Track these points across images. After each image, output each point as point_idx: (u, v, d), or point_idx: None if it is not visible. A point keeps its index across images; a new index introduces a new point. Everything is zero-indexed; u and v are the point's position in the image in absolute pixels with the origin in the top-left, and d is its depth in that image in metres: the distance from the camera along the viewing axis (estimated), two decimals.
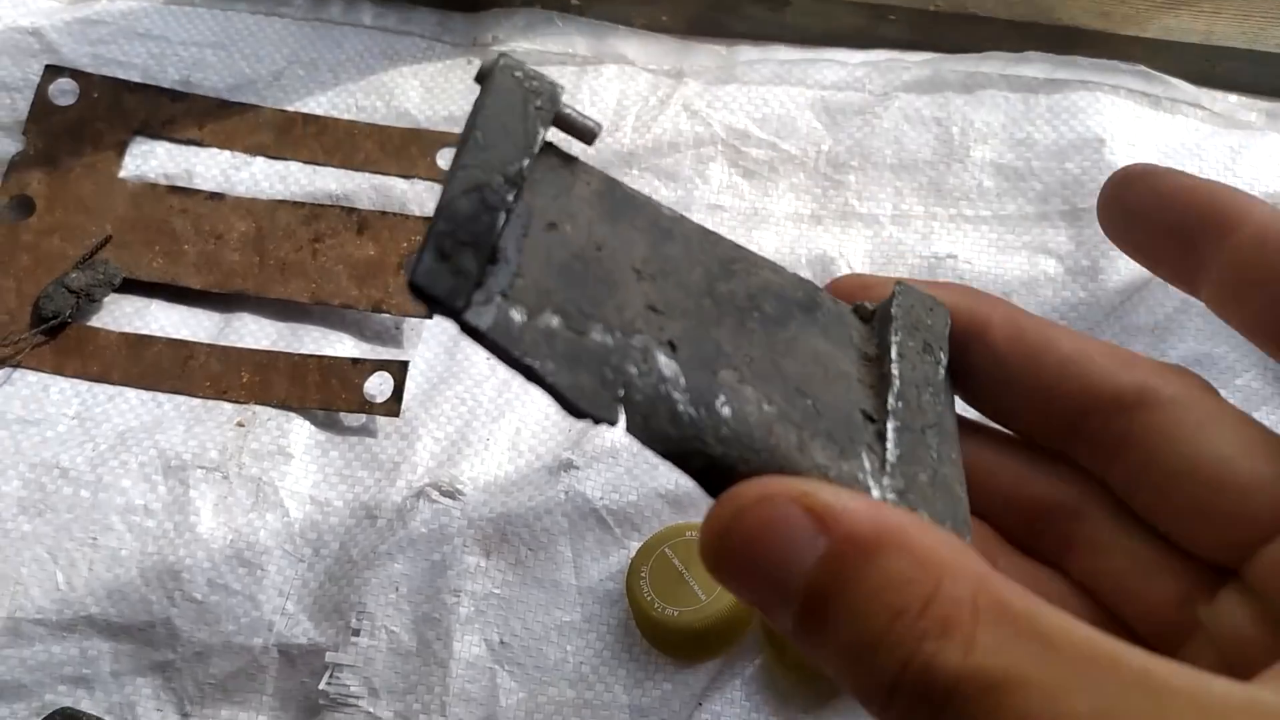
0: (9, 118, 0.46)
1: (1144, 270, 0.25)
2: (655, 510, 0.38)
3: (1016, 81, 0.47)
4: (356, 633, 0.36)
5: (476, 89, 0.20)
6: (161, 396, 0.41)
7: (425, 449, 0.40)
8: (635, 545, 0.37)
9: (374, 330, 0.43)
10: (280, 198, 0.45)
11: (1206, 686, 0.15)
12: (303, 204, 0.45)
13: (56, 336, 0.42)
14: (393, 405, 0.40)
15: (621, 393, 0.18)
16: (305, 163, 0.46)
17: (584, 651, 0.36)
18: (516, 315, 0.18)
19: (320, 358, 0.42)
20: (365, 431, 0.40)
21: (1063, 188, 0.44)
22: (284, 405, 0.41)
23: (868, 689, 0.16)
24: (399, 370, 0.41)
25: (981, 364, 0.23)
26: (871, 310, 0.23)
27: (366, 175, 0.46)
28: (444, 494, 0.38)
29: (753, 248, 0.43)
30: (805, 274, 0.43)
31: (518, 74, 0.20)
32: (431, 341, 0.43)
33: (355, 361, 0.41)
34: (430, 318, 0.43)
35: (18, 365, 0.42)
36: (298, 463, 0.40)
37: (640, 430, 0.18)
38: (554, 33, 0.49)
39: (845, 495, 0.17)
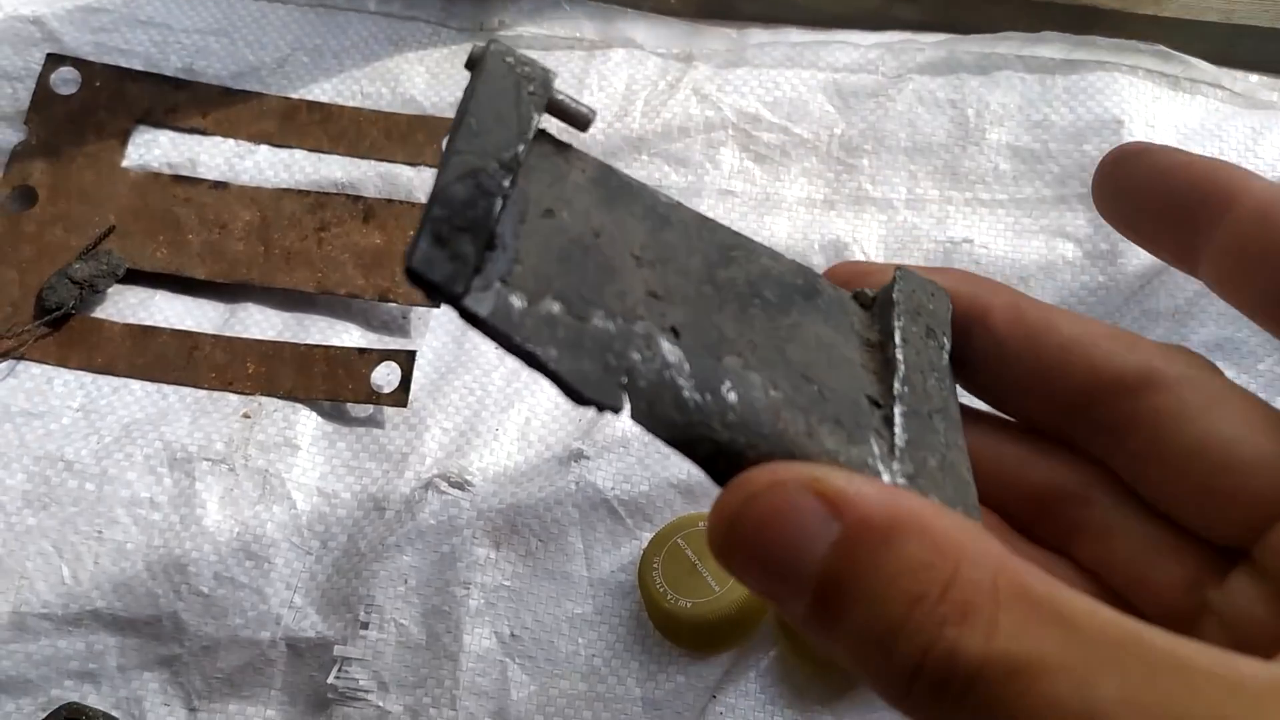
0: (11, 107, 0.46)
1: None
2: (667, 500, 0.37)
3: (1033, 62, 0.46)
4: (365, 626, 0.35)
5: None
6: (166, 388, 0.41)
7: (433, 439, 0.39)
8: (647, 536, 0.36)
9: (381, 320, 0.43)
10: (285, 186, 0.45)
11: (1235, 666, 0.15)
12: (308, 192, 0.44)
13: (60, 328, 0.42)
14: (400, 395, 0.40)
15: (625, 379, 0.18)
16: (310, 150, 0.46)
17: (596, 644, 0.35)
18: (517, 301, 0.18)
19: (327, 348, 0.41)
20: (373, 422, 0.40)
21: (1080, 170, 0.43)
22: (290, 396, 0.40)
23: (886, 678, 0.16)
24: (406, 360, 0.40)
25: (982, 349, 0.23)
26: (872, 296, 0.23)
27: (372, 163, 0.45)
28: (453, 485, 0.38)
29: (765, 233, 0.43)
30: (818, 260, 0.42)
31: (509, 59, 0.20)
32: (439, 331, 0.42)
33: (362, 351, 0.41)
34: (438, 306, 0.42)
35: (21, 357, 0.41)
36: (304, 454, 0.39)
37: (645, 417, 0.18)
38: (561, 16, 0.48)
39: (858, 480, 0.16)
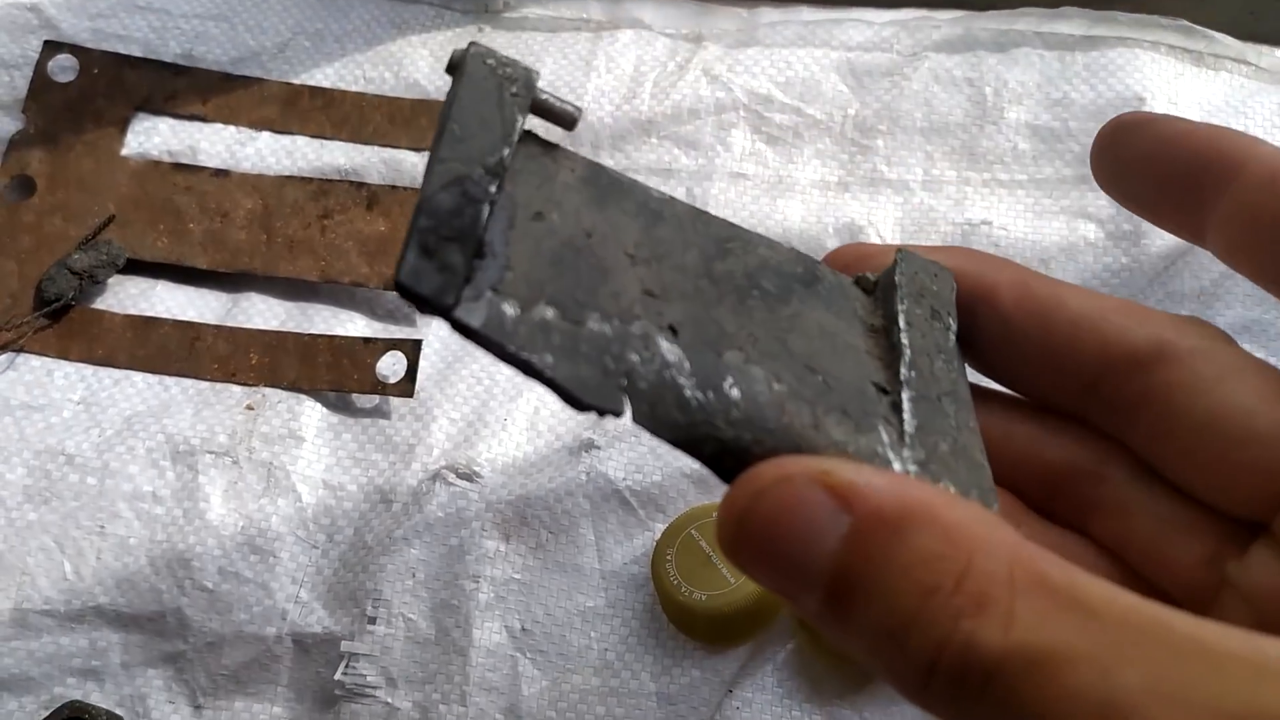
0: (8, 96, 0.45)
1: None
2: (680, 490, 0.36)
3: (1052, 39, 0.45)
4: (373, 621, 0.34)
5: None
6: (168, 380, 0.40)
7: (441, 430, 0.38)
8: (660, 527, 0.35)
9: (386, 308, 0.42)
10: (287, 173, 0.44)
11: (1260, 648, 0.14)
12: (310, 179, 0.44)
13: (60, 319, 0.41)
14: (406, 386, 0.39)
15: (625, 382, 0.18)
16: (312, 137, 0.45)
17: (609, 638, 0.35)
18: (509, 309, 0.17)
19: (331, 338, 0.40)
20: (378, 413, 0.39)
21: None
22: (294, 387, 0.40)
23: (902, 672, 0.15)
24: (412, 349, 0.39)
25: (990, 328, 0.22)
26: (874, 280, 0.22)
27: (376, 148, 0.44)
28: (461, 476, 0.37)
29: (778, 217, 0.42)
30: (833, 244, 0.41)
31: (490, 61, 0.19)
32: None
33: (367, 341, 0.40)
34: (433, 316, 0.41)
35: (21, 350, 0.40)
36: (309, 446, 0.38)
37: (647, 419, 0.18)
38: None
39: (867, 471, 0.16)
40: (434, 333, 0.41)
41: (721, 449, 0.18)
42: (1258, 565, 0.20)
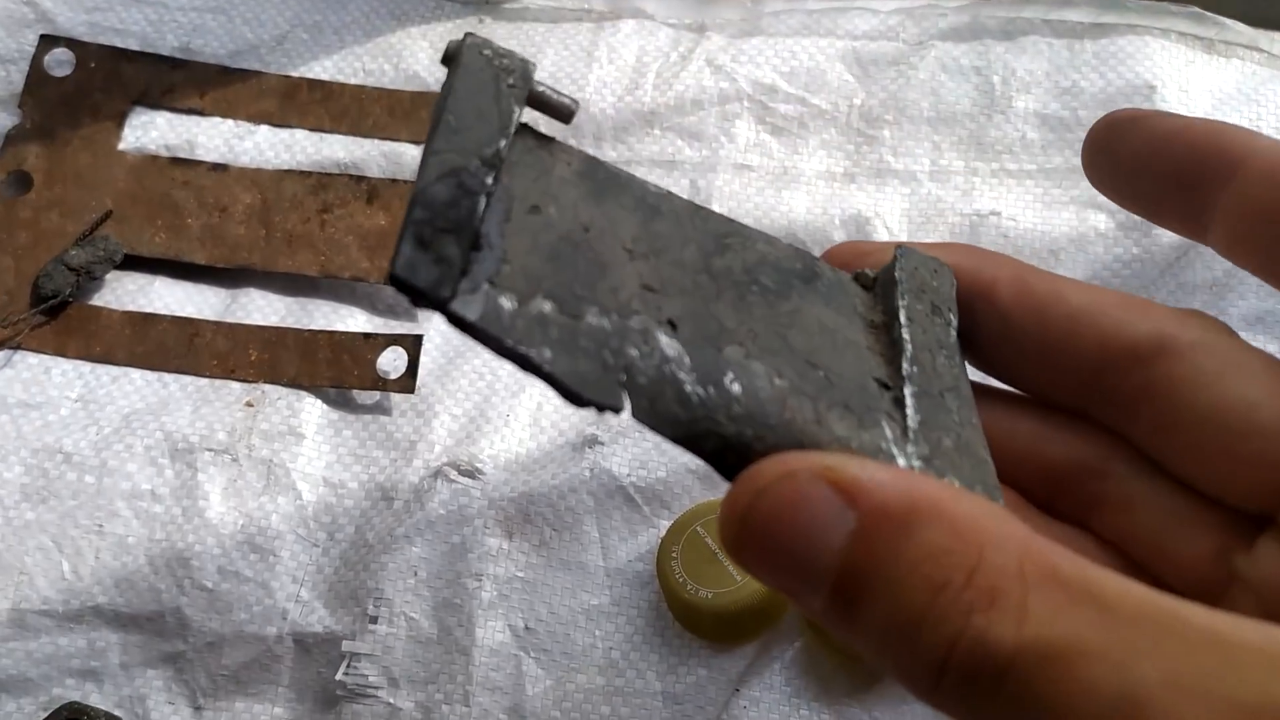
0: (4, 90, 0.45)
1: None
2: (686, 486, 0.36)
3: (1060, 27, 0.44)
4: (374, 620, 0.34)
5: None
6: (167, 377, 0.40)
7: (442, 426, 0.38)
8: (665, 524, 0.35)
9: (386, 304, 0.41)
10: (286, 167, 0.43)
11: (1275, 639, 0.14)
12: (309, 173, 0.43)
13: (57, 316, 0.41)
14: (407, 381, 0.38)
15: (624, 377, 0.17)
16: (311, 130, 0.44)
17: (613, 636, 0.34)
18: (506, 303, 0.17)
19: (331, 333, 0.40)
20: (379, 409, 0.39)
21: None
22: (294, 383, 0.39)
23: (913, 670, 0.15)
24: (413, 345, 0.39)
25: (989, 325, 0.22)
26: (873, 277, 0.22)
27: (375, 142, 0.44)
28: (463, 473, 0.36)
29: (783, 208, 0.42)
30: (839, 235, 0.41)
31: (486, 52, 0.19)
32: None
33: (367, 336, 0.39)
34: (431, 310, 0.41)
35: (18, 347, 0.40)
36: (310, 443, 0.38)
37: (647, 415, 0.17)
38: None
39: (872, 466, 0.16)
40: (435, 328, 0.40)
41: (723, 445, 0.18)
42: (1265, 558, 0.20)
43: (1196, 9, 0.44)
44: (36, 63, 0.45)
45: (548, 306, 0.17)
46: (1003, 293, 0.22)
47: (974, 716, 0.15)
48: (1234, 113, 0.42)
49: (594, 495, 0.36)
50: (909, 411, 0.19)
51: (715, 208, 0.41)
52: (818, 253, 0.40)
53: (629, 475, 0.36)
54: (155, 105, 0.45)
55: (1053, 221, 0.40)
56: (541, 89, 0.20)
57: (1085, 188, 0.41)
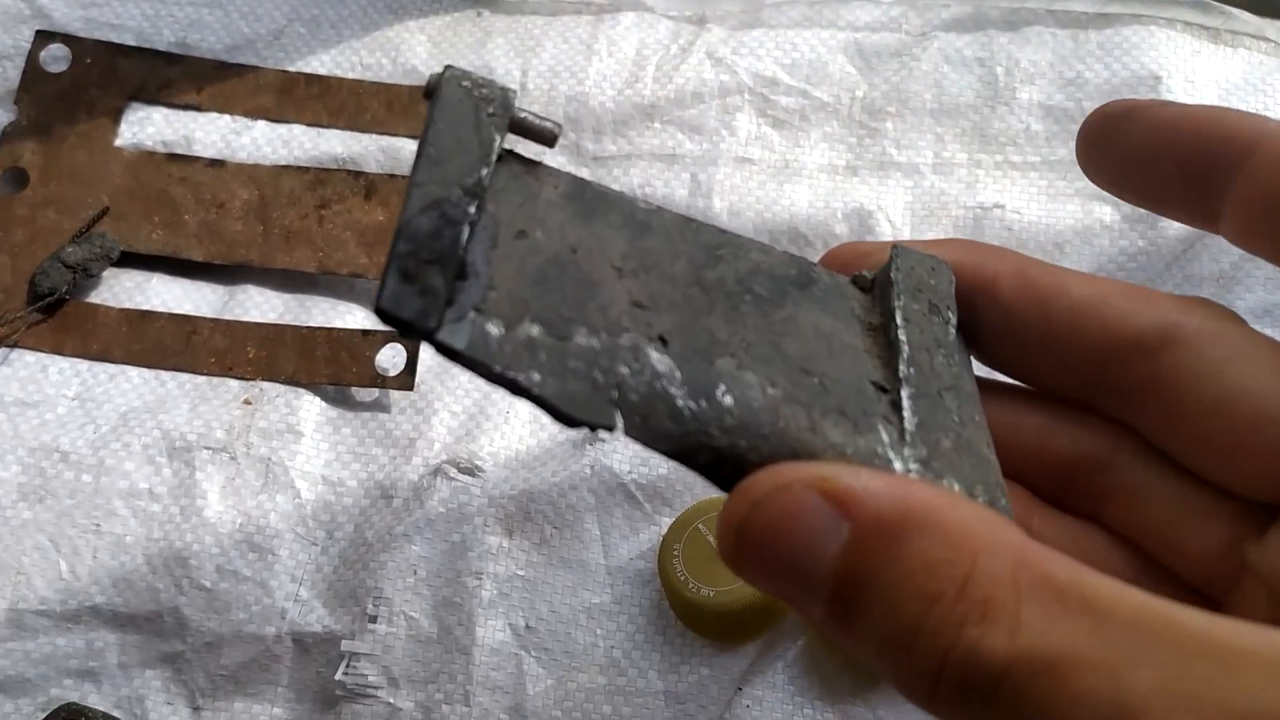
0: (0, 87, 0.44)
1: None
2: (687, 484, 0.36)
3: (1064, 17, 0.43)
4: (374, 619, 0.34)
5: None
6: (165, 375, 0.39)
7: (442, 423, 0.38)
8: (667, 521, 0.35)
9: None
10: (283, 163, 0.43)
11: (1274, 644, 0.14)
12: (307, 169, 0.43)
13: (54, 314, 0.40)
14: (406, 378, 0.38)
15: (615, 395, 0.17)
16: (309, 125, 0.44)
17: (615, 635, 0.34)
18: (493, 329, 0.17)
19: (329, 330, 0.39)
20: (378, 407, 0.38)
21: None
22: (292, 381, 0.39)
23: (909, 680, 0.15)
24: (412, 342, 0.39)
25: (992, 320, 0.22)
26: (871, 279, 0.22)
27: (373, 136, 0.43)
28: (463, 471, 0.36)
29: (784, 202, 0.41)
30: (842, 229, 0.40)
31: (465, 83, 0.19)
32: None
33: (366, 333, 0.39)
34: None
35: (14, 345, 0.40)
36: (308, 441, 0.38)
37: (640, 431, 0.17)
38: None
39: (865, 475, 0.16)
40: None
41: (717, 457, 0.18)
42: (1276, 548, 0.20)
43: None
44: (32, 59, 0.44)
45: (535, 330, 0.18)
46: (1004, 287, 0.22)
47: None
48: (1241, 103, 0.42)
49: (595, 492, 0.35)
50: (906, 414, 0.19)
51: (716, 202, 0.41)
52: (820, 245, 0.40)
53: (630, 472, 0.36)
54: (152, 101, 0.44)
55: (1057, 214, 0.40)
56: (523, 115, 0.20)
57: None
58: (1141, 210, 0.40)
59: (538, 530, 0.35)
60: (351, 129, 0.44)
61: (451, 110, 0.19)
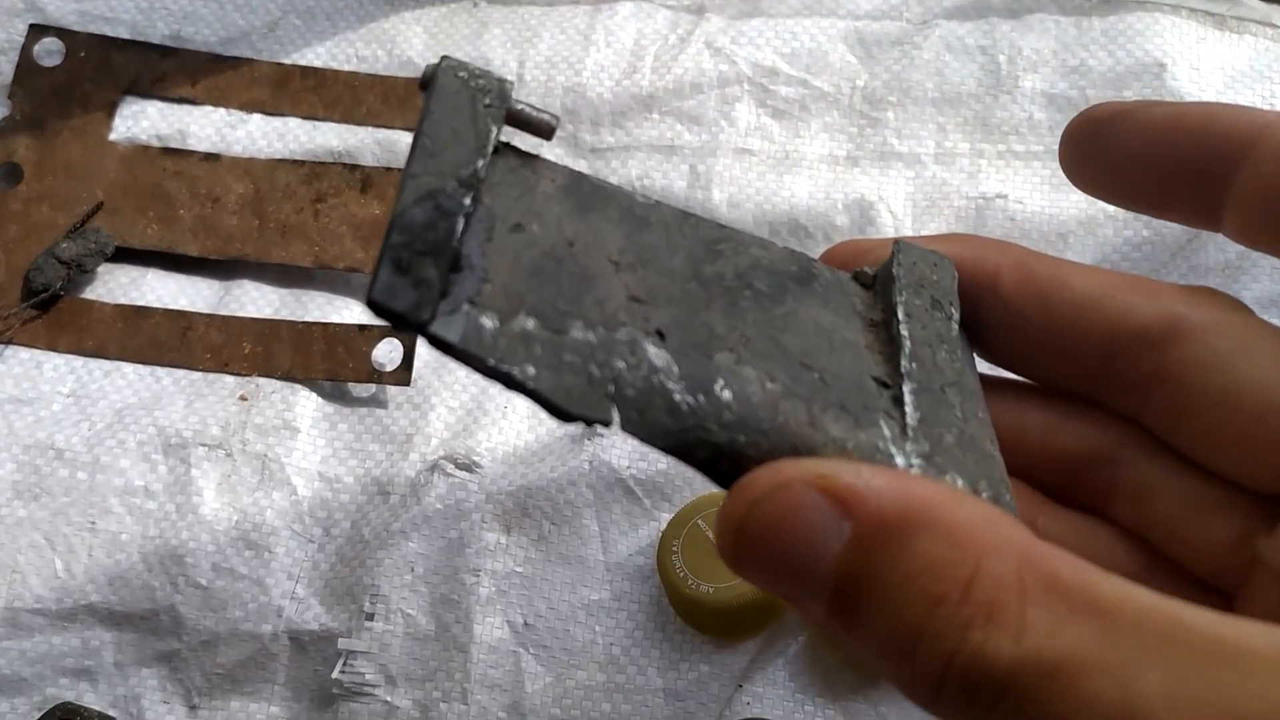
0: None
1: None
2: (687, 479, 0.35)
3: (1067, 4, 0.43)
4: (371, 617, 0.33)
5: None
6: (160, 371, 0.39)
7: (439, 419, 0.37)
8: (666, 517, 0.34)
9: None
10: (279, 156, 0.43)
11: None
12: (303, 162, 0.42)
13: (48, 310, 0.40)
14: (403, 374, 0.38)
15: (612, 389, 0.17)
16: (304, 118, 0.43)
17: (614, 632, 0.33)
18: (488, 322, 0.17)
19: (325, 325, 0.39)
20: (375, 402, 0.38)
21: None
22: (288, 377, 0.38)
23: (913, 682, 0.15)
24: (409, 336, 0.38)
25: (994, 315, 0.22)
26: (872, 275, 0.22)
27: (369, 129, 0.43)
28: (460, 466, 0.36)
29: (785, 193, 0.41)
30: (843, 220, 0.40)
31: (462, 74, 0.19)
32: None
33: (362, 328, 0.39)
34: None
35: (9, 341, 0.39)
36: (304, 437, 0.37)
37: (637, 426, 0.17)
38: None
39: (867, 472, 0.16)
40: None
41: (715, 453, 0.17)
42: None
43: None
44: (26, 52, 0.44)
45: (531, 323, 0.17)
46: (1006, 281, 0.22)
47: None
48: (1247, 90, 0.41)
49: (593, 488, 0.35)
50: (908, 409, 0.19)
51: (715, 193, 0.40)
52: (820, 237, 0.40)
53: (629, 467, 0.35)
54: (146, 94, 0.44)
55: (1061, 204, 0.40)
56: (520, 107, 0.20)
57: None
58: None
59: (536, 526, 0.35)
60: (347, 122, 0.43)
61: (447, 101, 0.19)
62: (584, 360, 0.17)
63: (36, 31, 0.44)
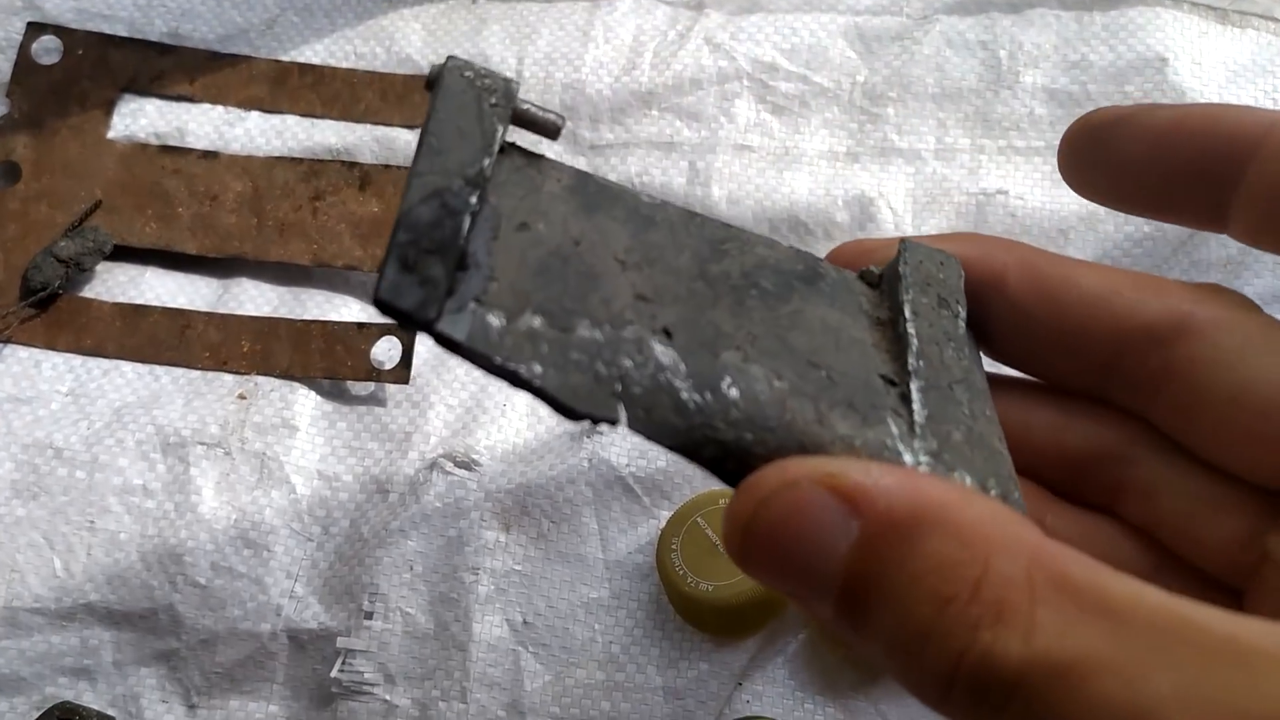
0: None
1: None
2: (686, 476, 0.35)
3: None
4: (369, 615, 0.33)
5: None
6: (159, 369, 0.39)
7: (438, 417, 0.37)
8: (665, 515, 0.34)
9: None
10: (277, 154, 0.43)
11: None
12: (301, 160, 0.42)
13: (47, 309, 0.40)
14: (402, 372, 0.38)
15: (619, 388, 0.17)
16: (302, 116, 0.43)
17: (613, 630, 0.33)
18: (494, 320, 0.17)
19: (324, 323, 0.39)
20: (374, 400, 0.38)
21: None
22: (287, 375, 0.38)
23: (921, 682, 0.15)
24: (408, 334, 0.38)
25: (1001, 313, 0.22)
26: (878, 274, 0.22)
27: (368, 127, 0.43)
28: (459, 465, 0.35)
29: (785, 189, 0.41)
30: (843, 216, 0.40)
31: (468, 74, 0.19)
32: None
33: (361, 326, 0.39)
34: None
35: (8, 340, 0.39)
36: (303, 436, 0.37)
37: (644, 425, 0.17)
38: None
39: (875, 470, 0.15)
40: None
41: (722, 451, 0.17)
42: None
43: None
44: (24, 51, 0.44)
45: (537, 322, 0.17)
46: (1012, 280, 0.22)
47: None
48: (1249, 84, 0.41)
49: (592, 486, 0.35)
50: (915, 406, 0.19)
51: (715, 190, 0.40)
52: (820, 233, 0.40)
53: (628, 465, 0.35)
54: (144, 92, 0.44)
55: (1062, 200, 0.39)
56: (526, 106, 0.20)
57: None
58: None
59: (535, 525, 0.35)
60: (346, 119, 0.43)
61: (453, 100, 0.19)
62: (591, 358, 0.17)
63: (34, 29, 0.44)
